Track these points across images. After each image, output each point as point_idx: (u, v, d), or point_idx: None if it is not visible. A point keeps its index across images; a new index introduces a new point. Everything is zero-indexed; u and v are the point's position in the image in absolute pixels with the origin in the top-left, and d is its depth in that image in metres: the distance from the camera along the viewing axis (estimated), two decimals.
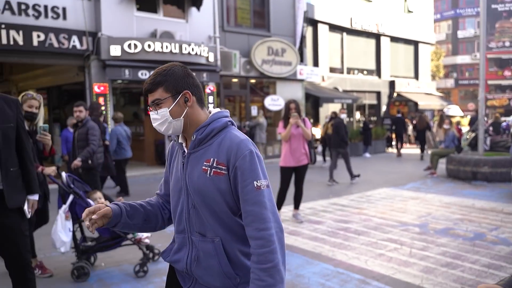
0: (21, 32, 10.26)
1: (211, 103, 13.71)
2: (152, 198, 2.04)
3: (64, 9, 11.13)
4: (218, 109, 1.88)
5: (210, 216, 1.75)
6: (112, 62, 11.38)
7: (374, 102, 23.14)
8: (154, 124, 1.80)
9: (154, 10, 12.71)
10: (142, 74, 11.72)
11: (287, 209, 7.09)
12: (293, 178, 6.53)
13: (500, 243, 5.24)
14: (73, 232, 4.42)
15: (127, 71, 11.53)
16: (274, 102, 15.16)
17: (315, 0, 19.03)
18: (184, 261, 1.82)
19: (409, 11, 24.23)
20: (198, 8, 13.14)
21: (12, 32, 10.15)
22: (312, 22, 19.09)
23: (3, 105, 3.03)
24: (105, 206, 1.75)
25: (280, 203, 6.54)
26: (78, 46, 11.15)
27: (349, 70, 21.81)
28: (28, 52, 10.64)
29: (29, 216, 3.22)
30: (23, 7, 10.55)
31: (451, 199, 7.99)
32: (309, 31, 18.91)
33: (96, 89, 11.48)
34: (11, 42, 10.13)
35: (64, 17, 11.12)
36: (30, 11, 10.65)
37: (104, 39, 11.34)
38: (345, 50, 21.31)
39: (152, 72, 1.81)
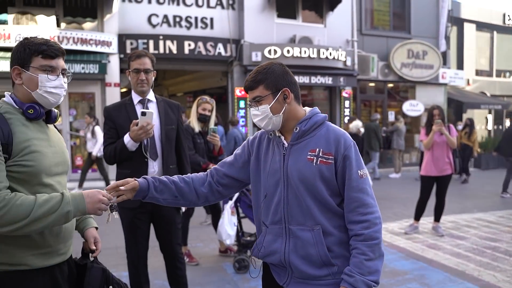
0: (175, 42, 11.36)
1: (347, 108, 13.58)
2: (198, 174, 2.10)
3: (211, 19, 12.03)
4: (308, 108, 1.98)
5: (313, 205, 1.81)
6: (253, 67, 11.79)
7: None
8: (255, 120, 1.89)
9: (293, 16, 13.03)
10: None
11: (426, 221, 6.70)
12: (434, 188, 6.18)
13: None
14: (237, 226, 4.77)
15: None
16: (413, 108, 14.43)
17: None
18: (281, 252, 1.86)
19: None
20: (333, 9, 13.11)
21: (168, 42, 11.30)
22: (458, 22, 17.75)
23: (167, 109, 3.35)
24: (134, 180, 1.87)
25: (419, 213, 6.24)
26: (222, 53, 11.95)
27: (499, 73, 19.80)
28: (180, 60, 11.71)
29: (183, 210, 3.56)
30: (177, 19, 11.68)
31: None
32: (453, 31, 17.64)
33: (237, 92, 12.17)
34: (167, 51, 11.28)
35: (212, 27, 12.02)
36: (183, 23, 11.74)
37: (246, 45, 11.96)
38: (495, 51, 19.41)
39: (252, 70, 1.89)
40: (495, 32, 19.29)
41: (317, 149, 1.82)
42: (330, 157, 1.81)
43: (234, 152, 2.10)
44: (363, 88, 14.81)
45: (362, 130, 8.59)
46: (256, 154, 2.01)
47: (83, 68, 10.13)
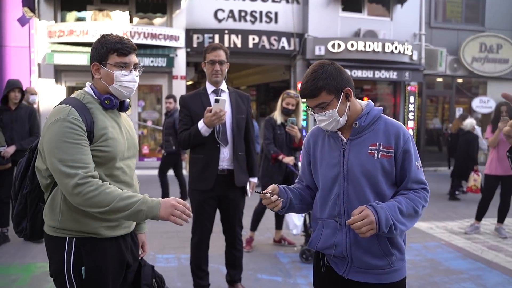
0: (239, 36, 11.64)
1: (411, 103, 13.21)
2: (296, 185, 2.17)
3: (276, 14, 12.17)
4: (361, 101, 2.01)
5: (372, 197, 1.86)
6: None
7: None
8: (321, 125, 1.93)
9: (358, 9, 12.85)
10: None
11: (488, 222, 6.46)
12: (499, 188, 5.96)
13: None
14: (304, 217, 4.94)
15: None
16: (484, 104, 13.73)
17: None
18: (342, 244, 1.91)
19: None
20: (402, 5, 12.78)
21: (233, 37, 11.60)
22: None
23: (238, 99, 3.61)
24: (275, 186, 1.97)
25: (481, 213, 6.04)
26: (286, 47, 12.06)
27: None
28: (244, 53, 11.97)
29: (249, 195, 3.77)
30: (242, 14, 11.94)
31: None
32: None
33: (299, 86, 12.22)
34: (232, 45, 11.58)
35: (276, 21, 12.17)
36: (248, 17, 11.98)
37: (310, 39, 11.99)
38: None
39: (307, 75, 1.88)
40: None
41: (378, 143, 1.87)
42: (391, 150, 1.87)
43: (301, 162, 2.20)
44: (430, 84, 14.30)
45: (477, 128, 8.29)
46: (313, 151, 2.07)
47: (152, 61, 10.67)
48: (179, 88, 11.43)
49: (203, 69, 3.53)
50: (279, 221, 5.44)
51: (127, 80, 1.98)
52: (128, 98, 2.09)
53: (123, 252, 2.04)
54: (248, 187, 3.74)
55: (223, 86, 3.55)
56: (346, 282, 1.97)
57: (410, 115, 12.89)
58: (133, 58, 2.00)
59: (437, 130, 14.71)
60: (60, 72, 11.17)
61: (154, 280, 2.20)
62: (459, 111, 14.23)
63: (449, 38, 13.95)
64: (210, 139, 3.39)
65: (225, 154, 3.48)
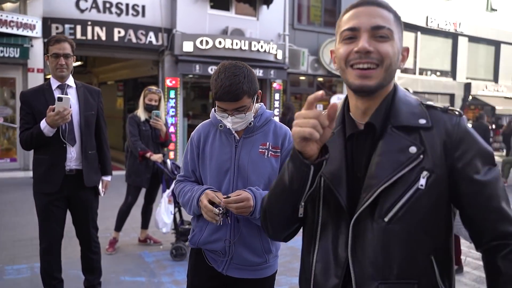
0: (104, 28, 11.06)
1: (277, 100, 13.90)
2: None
3: (143, 7, 11.82)
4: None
5: None
6: (184, 57, 11.91)
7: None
8: (235, 126, 1.94)
9: (226, 8, 13.09)
10: (211, 69, 12.16)
11: None
12: None
13: None
14: (174, 215, 4.85)
15: (197, 66, 12.01)
16: (341, 101, 15.03)
17: None
18: (227, 240, 1.97)
19: (493, 10, 22.90)
20: (268, 6, 13.37)
21: (97, 29, 10.98)
22: None
23: (87, 95, 3.40)
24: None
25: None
26: (154, 41, 11.80)
27: (422, 71, 21.08)
28: (109, 47, 11.43)
29: (102, 195, 3.60)
30: (107, 5, 11.36)
31: None
32: None
33: (168, 82, 12.08)
34: (95, 38, 10.96)
35: (143, 15, 11.81)
36: (114, 9, 11.44)
37: (178, 35, 11.89)
38: (418, 50, 20.60)
39: (229, 78, 1.85)
40: (419, 33, 20.46)
41: (268, 143, 1.98)
42: (278, 150, 1.99)
43: (185, 156, 2.13)
44: (295, 82, 15.22)
45: None
46: (203, 146, 2.06)
47: (1, 51, 9.62)
48: (36, 82, 10.44)
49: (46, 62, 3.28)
50: (146, 220, 5.34)
51: None
52: None
53: None
54: (100, 187, 3.57)
55: (70, 81, 3.33)
56: (223, 278, 2.02)
57: (276, 111, 13.58)
58: None
59: None
60: None
61: None
62: (319, 107, 15.37)
63: (311, 40, 14.97)
64: (56, 138, 3.16)
65: (72, 154, 3.28)
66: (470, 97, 22.36)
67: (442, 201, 1.17)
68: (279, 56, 13.28)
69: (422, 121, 1.21)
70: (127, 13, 11.61)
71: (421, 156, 1.16)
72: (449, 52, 21.92)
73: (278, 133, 2.01)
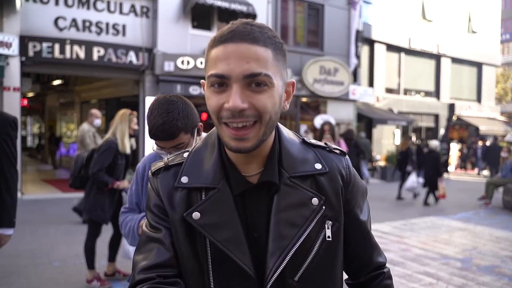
0: (83, 47, 10.92)
1: None
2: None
3: (124, 26, 11.72)
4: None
5: None
6: (165, 77, 11.79)
7: (432, 125, 22.32)
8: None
9: (208, 27, 13.05)
10: (193, 90, 12.04)
11: None
12: None
13: None
14: None
15: (178, 86, 11.89)
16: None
17: (372, 20, 18.77)
18: None
19: (473, 32, 23.27)
20: None
21: (76, 47, 10.83)
22: (369, 42, 18.81)
23: None
24: None
25: None
26: (134, 61, 11.67)
27: (406, 91, 21.22)
28: (88, 66, 11.27)
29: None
30: (87, 24, 11.24)
31: (503, 233, 7.49)
32: (365, 50, 18.65)
33: (148, 102, 11.92)
34: (74, 56, 10.81)
35: (124, 34, 11.71)
36: (93, 28, 11.32)
37: (159, 55, 11.78)
38: (402, 71, 20.78)
39: (161, 115, 1.72)
40: (402, 54, 20.66)
41: None
42: None
43: (131, 188, 2.03)
44: None
45: None
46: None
47: None
48: (12, 101, 10.27)
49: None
50: (114, 252, 4.96)
51: None
52: None
53: None
54: None
55: None
56: None
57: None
58: None
59: None
60: None
61: None
62: (303, 128, 15.31)
63: (294, 60, 14.96)
64: None
65: None
66: (455, 117, 22.53)
67: (341, 246, 1.14)
68: None
69: (318, 166, 1.10)
70: (107, 32, 11.50)
71: (324, 207, 1.07)
72: (433, 73, 22.15)
73: None
